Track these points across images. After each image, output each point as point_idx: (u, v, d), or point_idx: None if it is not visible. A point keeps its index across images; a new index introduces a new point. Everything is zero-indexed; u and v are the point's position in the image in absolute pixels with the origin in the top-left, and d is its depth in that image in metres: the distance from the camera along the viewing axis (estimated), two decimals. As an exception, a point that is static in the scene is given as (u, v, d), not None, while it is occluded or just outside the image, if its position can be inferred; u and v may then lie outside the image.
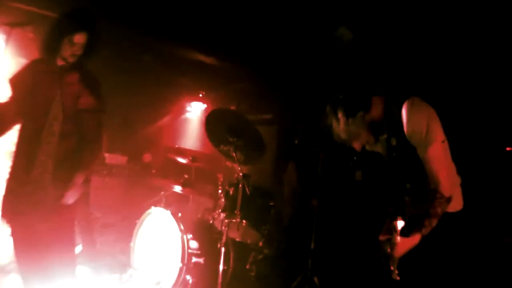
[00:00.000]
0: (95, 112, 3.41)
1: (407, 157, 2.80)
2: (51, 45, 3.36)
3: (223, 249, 4.65)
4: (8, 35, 3.43)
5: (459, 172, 3.06)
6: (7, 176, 3.29)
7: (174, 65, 7.00)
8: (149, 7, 5.59)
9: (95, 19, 3.42)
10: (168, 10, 5.66)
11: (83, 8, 3.44)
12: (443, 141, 2.79)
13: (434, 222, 2.75)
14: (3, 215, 3.27)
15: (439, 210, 2.74)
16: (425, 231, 2.74)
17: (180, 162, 6.16)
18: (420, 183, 2.81)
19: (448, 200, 2.76)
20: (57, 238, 3.28)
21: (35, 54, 3.95)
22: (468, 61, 4.51)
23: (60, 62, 3.40)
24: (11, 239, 3.23)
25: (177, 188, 5.57)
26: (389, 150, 2.88)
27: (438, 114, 2.86)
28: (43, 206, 3.23)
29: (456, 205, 2.94)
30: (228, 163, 6.62)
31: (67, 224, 3.38)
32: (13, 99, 3.50)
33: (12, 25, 3.44)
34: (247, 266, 5.08)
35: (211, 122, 4.99)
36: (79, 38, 3.32)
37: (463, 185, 3.05)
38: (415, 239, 2.75)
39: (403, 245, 2.75)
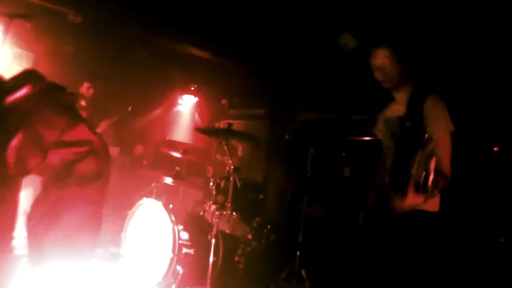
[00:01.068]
0: None
1: (417, 138, 2.98)
2: None
3: (213, 241, 4.72)
4: (7, 26, 3.46)
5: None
6: None
7: (166, 58, 7.05)
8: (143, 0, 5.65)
9: None
10: (162, 3, 5.71)
11: None
12: (452, 132, 3.14)
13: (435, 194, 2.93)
14: None
15: (440, 184, 2.88)
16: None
17: (171, 155, 6.22)
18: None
19: (447, 179, 2.94)
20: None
21: (31, 45, 4.00)
22: (456, 61, 4.59)
23: None
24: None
25: (168, 180, 5.64)
26: (403, 129, 3.18)
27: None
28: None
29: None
30: (218, 156, 6.68)
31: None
32: None
33: (12, 16, 3.46)
34: (236, 258, 5.15)
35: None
36: None
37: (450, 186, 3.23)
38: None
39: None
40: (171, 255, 4.81)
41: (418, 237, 3.13)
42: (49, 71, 3.60)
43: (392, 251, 3.16)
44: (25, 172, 3.19)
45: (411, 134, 3.13)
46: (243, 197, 5.02)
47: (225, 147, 5.14)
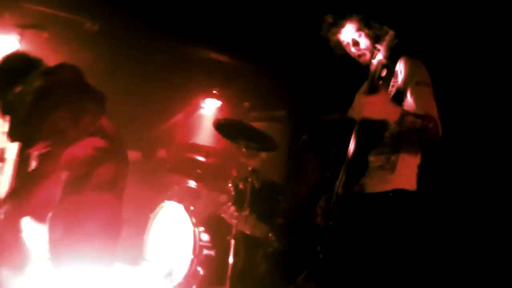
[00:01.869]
0: None
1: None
2: None
3: (232, 242, 4.77)
4: (21, 36, 3.58)
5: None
6: None
7: (188, 63, 7.12)
8: (163, 6, 5.72)
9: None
10: (180, 8, 5.78)
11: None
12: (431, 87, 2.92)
13: (417, 123, 2.75)
14: None
15: (428, 124, 2.77)
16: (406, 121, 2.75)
17: (194, 158, 6.28)
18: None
19: (436, 125, 2.79)
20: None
21: (49, 54, 4.13)
22: (471, 60, 4.48)
23: None
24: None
25: (191, 183, 5.71)
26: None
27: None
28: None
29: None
30: (242, 159, 6.71)
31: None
32: None
33: (25, 27, 3.58)
34: (258, 259, 5.18)
35: (219, 128, 5.28)
36: None
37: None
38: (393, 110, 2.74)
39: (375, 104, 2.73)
40: (192, 257, 4.88)
41: (393, 217, 2.90)
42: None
43: (364, 233, 2.94)
44: (66, 140, 3.35)
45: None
46: (262, 199, 5.05)
47: (243, 149, 5.20)
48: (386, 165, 2.96)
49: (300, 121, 6.88)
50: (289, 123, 7.17)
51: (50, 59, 4.22)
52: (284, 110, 7.35)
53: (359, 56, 3.17)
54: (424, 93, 2.87)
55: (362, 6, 3.26)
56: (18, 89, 3.33)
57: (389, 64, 2.96)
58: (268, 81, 7.31)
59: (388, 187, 2.95)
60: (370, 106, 2.73)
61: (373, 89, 2.76)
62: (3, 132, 3.54)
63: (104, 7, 5.10)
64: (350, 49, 3.19)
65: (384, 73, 2.91)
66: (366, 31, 3.11)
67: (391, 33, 2.85)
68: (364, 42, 3.12)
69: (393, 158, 2.94)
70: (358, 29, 3.11)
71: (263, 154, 7.24)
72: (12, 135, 3.58)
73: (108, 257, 3.77)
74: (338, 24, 3.20)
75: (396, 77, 3.03)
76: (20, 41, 3.59)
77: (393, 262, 2.93)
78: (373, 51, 3.01)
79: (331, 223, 3.09)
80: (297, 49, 6.36)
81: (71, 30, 5.22)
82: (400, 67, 3.01)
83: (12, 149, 3.69)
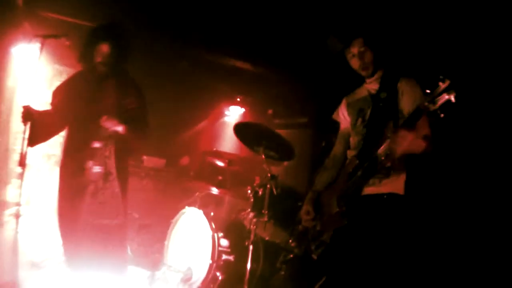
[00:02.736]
0: (137, 109, 3.97)
1: (389, 110, 3.20)
2: (83, 55, 3.88)
3: (251, 247, 4.79)
4: (42, 45, 3.70)
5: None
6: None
7: (211, 71, 7.19)
8: (187, 15, 5.80)
9: (120, 31, 3.94)
10: (204, 17, 5.85)
11: (109, 22, 3.98)
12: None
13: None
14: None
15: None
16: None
17: (217, 165, 6.33)
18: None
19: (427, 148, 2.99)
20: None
21: (71, 61, 4.27)
22: (472, 59, 4.41)
23: (97, 72, 3.86)
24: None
25: (213, 189, 5.76)
26: (376, 101, 3.31)
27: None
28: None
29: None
30: (265, 166, 6.72)
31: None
32: (58, 108, 3.85)
33: (46, 37, 3.71)
34: (277, 265, 5.18)
35: (239, 132, 5.28)
36: (103, 48, 3.79)
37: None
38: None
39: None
40: (210, 261, 4.92)
41: (382, 219, 3.14)
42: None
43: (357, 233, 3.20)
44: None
45: (385, 105, 3.21)
46: (281, 205, 5.05)
47: (262, 155, 5.22)
48: (382, 170, 3.15)
49: (323, 128, 6.85)
50: (312, 129, 7.15)
51: (74, 65, 4.35)
52: (307, 117, 7.33)
53: (362, 68, 3.38)
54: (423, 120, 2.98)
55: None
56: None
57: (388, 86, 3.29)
58: (291, 88, 7.34)
59: (382, 190, 3.21)
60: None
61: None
62: (25, 138, 3.64)
63: (127, 15, 5.19)
64: (355, 61, 3.39)
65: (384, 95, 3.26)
66: (371, 48, 3.35)
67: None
68: (368, 56, 3.34)
69: (388, 164, 3.11)
70: (364, 44, 3.33)
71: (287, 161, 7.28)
72: (31, 141, 3.69)
73: (120, 258, 3.88)
74: (348, 38, 3.41)
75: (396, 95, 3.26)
76: (42, 49, 3.70)
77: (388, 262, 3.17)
78: (373, 66, 3.36)
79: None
80: (320, 57, 6.37)
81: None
82: (400, 85, 3.26)
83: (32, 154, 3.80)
